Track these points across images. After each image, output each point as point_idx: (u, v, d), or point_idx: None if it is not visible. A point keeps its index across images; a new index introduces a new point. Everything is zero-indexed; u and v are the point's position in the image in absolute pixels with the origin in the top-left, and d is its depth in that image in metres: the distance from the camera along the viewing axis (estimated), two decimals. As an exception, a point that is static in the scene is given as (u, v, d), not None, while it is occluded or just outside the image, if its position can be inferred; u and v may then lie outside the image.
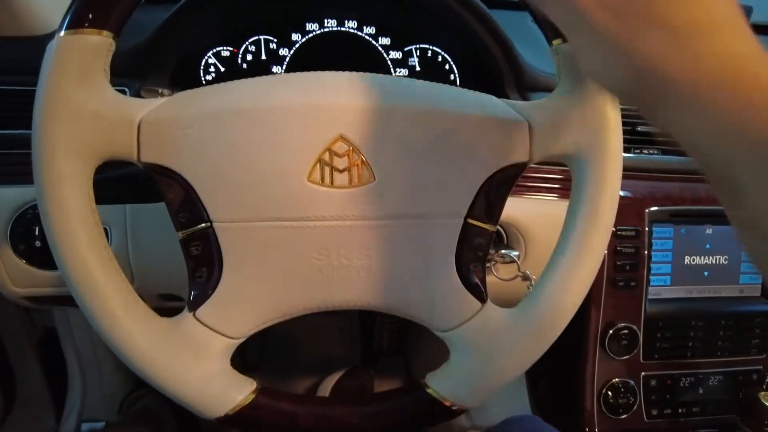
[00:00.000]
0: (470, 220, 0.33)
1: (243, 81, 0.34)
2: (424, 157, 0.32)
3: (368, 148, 0.31)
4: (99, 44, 0.30)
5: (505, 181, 0.34)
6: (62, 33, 0.30)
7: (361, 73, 0.34)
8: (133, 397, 0.83)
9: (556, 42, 0.34)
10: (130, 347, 0.31)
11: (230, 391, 0.32)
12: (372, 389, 0.98)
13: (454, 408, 0.34)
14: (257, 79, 0.34)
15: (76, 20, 0.30)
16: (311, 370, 1.04)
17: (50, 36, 0.55)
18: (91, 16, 0.30)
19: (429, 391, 0.34)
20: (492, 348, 0.34)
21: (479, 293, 0.34)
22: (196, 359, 0.32)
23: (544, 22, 0.35)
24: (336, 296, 0.32)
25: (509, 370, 0.34)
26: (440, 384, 0.34)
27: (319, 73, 0.34)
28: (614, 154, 0.34)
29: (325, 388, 0.95)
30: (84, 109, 0.30)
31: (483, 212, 0.34)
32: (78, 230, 0.30)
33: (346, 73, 0.34)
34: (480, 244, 0.34)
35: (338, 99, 0.32)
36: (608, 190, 0.34)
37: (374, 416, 0.33)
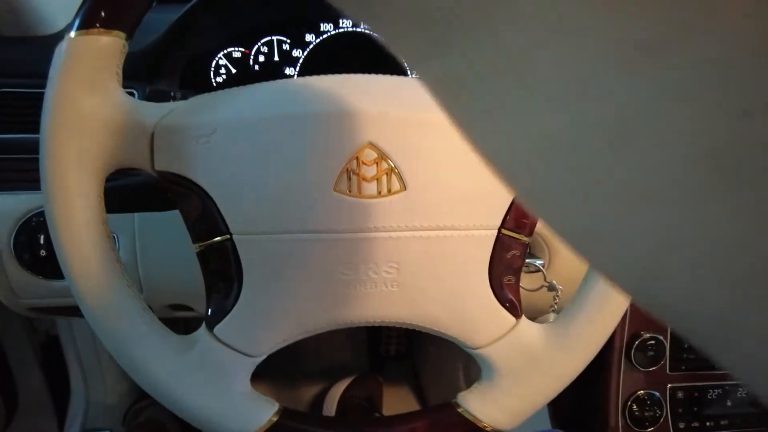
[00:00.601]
0: (504, 231, 0.32)
1: (264, 85, 0.32)
2: (456, 166, 0.30)
3: (398, 156, 0.29)
4: (111, 46, 0.29)
5: None
6: (72, 34, 0.28)
7: (391, 77, 0.32)
8: (137, 407, 0.81)
9: None
10: (144, 369, 0.29)
11: (252, 414, 0.31)
12: (381, 397, 0.96)
13: (488, 430, 0.32)
14: (279, 82, 0.32)
15: (87, 20, 0.28)
16: (318, 377, 1.02)
17: (55, 37, 0.53)
18: (102, 15, 0.28)
19: (460, 411, 0.32)
20: (528, 367, 0.32)
21: (513, 308, 0.32)
22: (214, 380, 0.30)
23: None
24: (363, 312, 0.31)
25: (546, 389, 0.32)
26: (473, 404, 0.32)
27: (344, 76, 0.32)
28: None
29: (333, 397, 0.93)
30: (95, 115, 0.28)
31: (517, 222, 0.32)
32: (87, 245, 0.28)
33: (376, 77, 0.32)
34: (514, 256, 0.32)
35: (367, 104, 0.30)
36: None
37: None
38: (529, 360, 0.32)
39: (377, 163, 0.30)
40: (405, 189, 0.30)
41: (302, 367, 1.05)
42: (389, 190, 0.30)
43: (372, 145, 0.29)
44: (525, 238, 0.33)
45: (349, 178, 0.29)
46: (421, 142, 0.30)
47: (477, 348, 0.32)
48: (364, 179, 0.29)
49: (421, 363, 1.07)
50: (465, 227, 0.31)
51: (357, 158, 0.29)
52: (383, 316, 0.31)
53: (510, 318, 0.32)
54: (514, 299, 0.33)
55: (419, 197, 0.30)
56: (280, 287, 0.30)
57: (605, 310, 0.32)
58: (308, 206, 0.29)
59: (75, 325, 0.80)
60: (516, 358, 0.32)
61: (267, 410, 0.31)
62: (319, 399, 0.98)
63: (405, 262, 0.30)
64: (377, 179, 0.30)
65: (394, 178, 0.30)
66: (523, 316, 0.33)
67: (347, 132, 0.29)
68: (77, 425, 0.82)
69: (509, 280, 0.32)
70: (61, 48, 0.28)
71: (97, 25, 0.28)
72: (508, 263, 0.32)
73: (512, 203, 0.31)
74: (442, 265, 0.31)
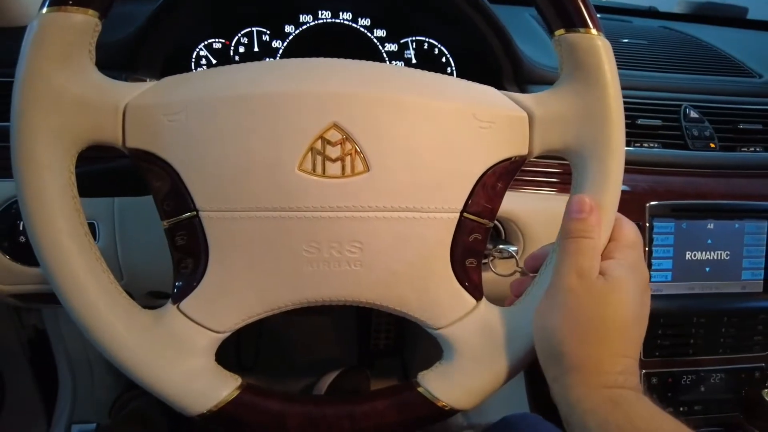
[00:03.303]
0: (466, 215, 0.32)
1: (233, 66, 0.33)
2: (420, 149, 0.31)
3: (362, 137, 0.30)
4: (83, 24, 0.29)
5: (504, 175, 0.33)
6: (44, 10, 0.28)
7: (357, 61, 0.33)
8: (124, 399, 0.81)
9: (558, 32, 0.33)
10: (110, 340, 0.29)
11: (213, 388, 0.31)
12: (368, 390, 0.97)
13: (446, 408, 0.32)
14: (248, 64, 0.32)
15: None
16: (307, 371, 1.02)
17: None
18: None
19: (420, 390, 0.33)
20: (487, 348, 0.32)
21: (474, 290, 0.33)
22: (178, 353, 0.30)
23: (546, 12, 0.34)
24: (325, 290, 0.31)
25: (505, 371, 0.32)
26: (432, 384, 0.33)
27: (313, 59, 0.32)
28: (617, 149, 0.32)
29: (320, 389, 0.94)
30: (66, 91, 0.29)
31: (480, 207, 0.32)
32: (57, 218, 0.29)
33: (342, 60, 0.33)
34: (476, 239, 0.33)
35: (333, 86, 0.30)
36: (610, 186, 0.32)
37: (365, 416, 0.32)
38: (488, 341, 0.32)
39: (341, 143, 0.30)
40: (369, 170, 0.30)
41: (292, 362, 1.06)
42: (353, 171, 0.30)
43: (337, 126, 0.30)
44: (487, 223, 0.33)
45: (314, 158, 0.30)
46: (385, 125, 0.30)
47: (438, 328, 0.33)
48: (329, 159, 0.30)
49: (410, 358, 1.08)
50: (427, 209, 0.31)
51: (322, 138, 0.30)
52: (346, 295, 0.32)
53: (471, 300, 0.33)
54: (475, 281, 0.33)
55: (382, 178, 0.30)
56: (245, 264, 0.30)
57: None
58: (273, 184, 0.30)
59: (62, 319, 0.81)
60: (475, 339, 0.32)
61: (229, 385, 0.31)
62: (307, 391, 0.98)
63: (368, 242, 0.31)
64: (341, 159, 0.30)
65: (358, 159, 0.30)
66: (484, 299, 0.34)
67: (312, 112, 0.30)
68: (65, 418, 0.83)
69: (471, 263, 0.33)
70: (33, 24, 0.29)
71: (70, 2, 0.28)
72: (470, 246, 0.33)
73: (474, 188, 0.32)
74: (405, 246, 0.31)
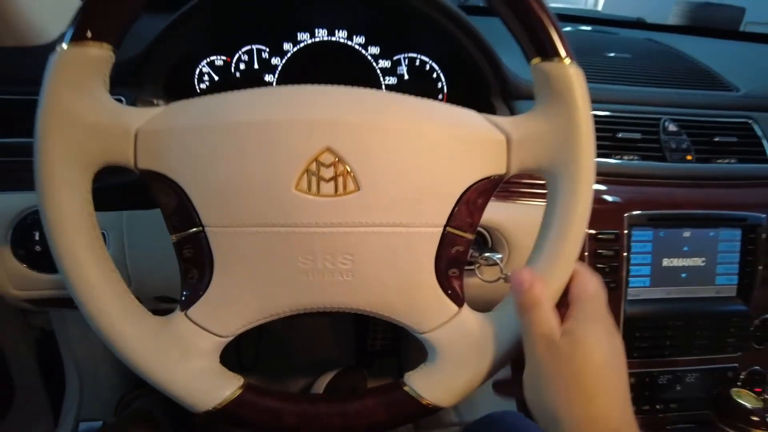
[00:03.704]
0: (449, 229, 0.35)
1: (233, 93, 0.35)
2: (406, 170, 0.34)
3: (353, 159, 0.33)
4: (99, 56, 0.32)
5: (484, 192, 0.36)
6: (64, 45, 0.31)
7: (348, 88, 0.35)
8: (129, 398, 0.84)
9: (534, 61, 0.36)
10: (124, 344, 0.32)
11: (217, 387, 0.34)
12: (365, 389, 1.00)
13: (430, 406, 0.35)
14: (247, 91, 0.35)
15: (78, 33, 0.31)
16: (305, 371, 1.05)
17: (47, 47, 0.57)
18: (92, 29, 0.32)
19: (406, 389, 0.35)
20: (466, 351, 0.35)
21: (456, 298, 0.36)
22: (186, 355, 0.33)
23: (523, 42, 0.36)
24: (320, 298, 0.34)
25: (483, 372, 0.35)
26: (418, 383, 0.35)
27: (307, 86, 0.35)
28: (587, 171, 0.35)
29: (318, 388, 0.97)
30: (83, 118, 0.32)
31: (462, 221, 0.35)
32: (75, 232, 0.32)
33: (334, 87, 0.35)
34: (458, 251, 0.36)
35: (326, 113, 0.33)
36: (580, 204, 0.35)
37: (356, 413, 0.35)
38: (468, 345, 0.35)
39: (334, 165, 0.33)
40: (359, 189, 0.33)
41: (291, 362, 1.09)
42: (345, 190, 0.33)
43: (330, 150, 0.33)
44: (468, 236, 0.36)
45: (309, 179, 0.33)
46: (374, 148, 0.33)
47: (423, 332, 0.36)
48: (323, 179, 0.33)
49: (405, 358, 1.11)
50: (413, 224, 0.34)
51: (316, 161, 0.33)
52: (339, 303, 0.35)
53: (453, 306, 0.36)
54: (457, 289, 0.36)
55: (372, 197, 0.33)
56: (247, 274, 0.33)
57: None
58: (272, 203, 0.33)
59: (69, 321, 0.83)
60: (457, 342, 0.35)
61: (232, 384, 0.34)
62: (305, 392, 1.01)
63: (359, 254, 0.34)
64: (334, 179, 0.33)
65: (349, 179, 0.33)
66: (465, 305, 0.37)
67: (308, 137, 0.33)
68: (72, 417, 0.85)
69: (453, 273, 0.36)
70: (54, 57, 0.32)
71: (87, 36, 0.31)
72: (453, 258, 0.35)
73: (456, 204, 0.35)
74: (393, 258, 0.34)
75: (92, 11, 0.32)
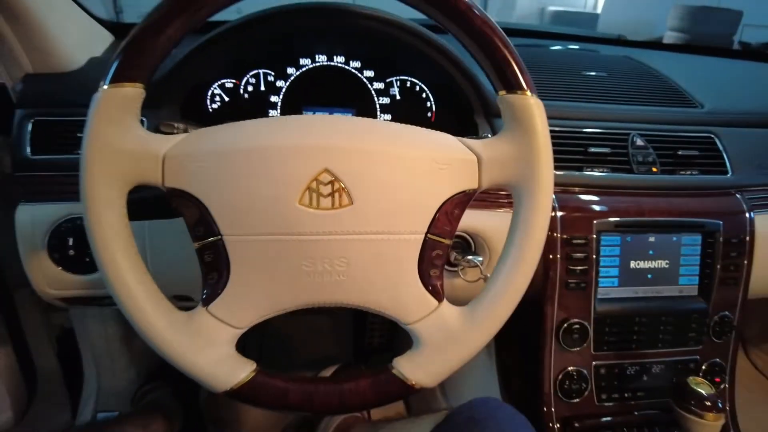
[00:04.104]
0: (430, 236, 0.41)
1: (245, 122, 0.42)
2: (392, 186, 0.40)
3: (348, 179, 0.39)
4: (133, 94, 0.39)
5: (459, 204, 0.42)
6: (105, 87, 0.38)
7: (342, 117, 0.42)
8: (143, 390, 0.90)
9: (501, 93, 0.43)
10: (156, 335, 0.39)
11: (234, 371, 0.40)
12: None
13: (415, 387, 0.41)
14: (256, 121, 0.42)
15: (116, 76, 0.38)
16: (307, 367, 1.11)
17: (77, 73, 0.63)
18: (127, 72, 0.38)
19: (394, 372, 0.42)
20: (446, 339, 0.41)
21: (437, 294, 0.42)
22: (207, 344, 0.39)
23: (491, 76, 0.43)
24: (320, 296, 0.40)
25: (460, 357, 0.41)
26: (404, 367, 0.42)
27: (307, 116, 0.42)
28: (545, 186, 0.42)
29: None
30: (120, 147, 0.38)
31: (441, 229, 0.41)
32: (114, 241, 0.38)
33: (330, 117, 0.42)
34: (438, 254, 0.42)
35: (324, 140, 0.40)
36: (540, 214, 0.42)
37: (350, 392, 0.41)
38: (447, 334, 0.41)
39: (332, 183, 0.39)
40: (353, 203, 0.40)
41: (293, 359, 1.15)
42: (341, 204, 0.40)
43: (327, 170, 0.39)
44: (447, 241, 0.42)
45: (310, 195, 0.39)
46: (365, 169, 0.40)
47: (408, 324, 0.42)
48: (321, 195, 0.39)
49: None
50: (399, 232, 0.40)
51: (316, 180, 0.39)
52: (336, 299, 0.41)
53: (434, 301, 0.42)
54: (437, 287, 0.42)
55: (363, 209, 0.40)
56: (258, 276, 0.40)
57: (505, 298, 0.42)
58: (279, 215, 0.39)
59: (88, 318, 0.90)
60: (437, 332, 0.42)
61: (246, 368, 0.41)
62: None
63: (353, 258, 0.40)
64: (332, 195, 0.39)
65: (344, 194, 0.39)
66: (445, 300, 0.43)
67: (309, 160, 0.39)
68: (90, 408, 0.92)
69: (434, 273, 0.42)
70: (96, 97, 0.38)
71: (123, 78, 0.38)
72: (433, 260, 0.42)
73: (435, 215, 0.41)
74: (381, 261, 0.40)
75: (127, 57, 0.38)
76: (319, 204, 0.39)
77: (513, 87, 0.42)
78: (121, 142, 0.38)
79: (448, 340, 0.42)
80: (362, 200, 0.39)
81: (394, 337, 1.16)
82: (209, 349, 0.40)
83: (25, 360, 0.88)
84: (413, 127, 0.44)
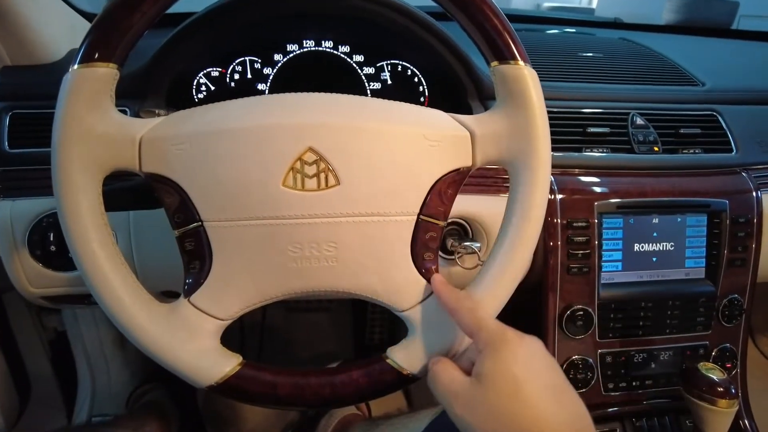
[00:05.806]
0: (422, 217, 0.39)
1: (227, 102, 0.40)
2: (381, 165, 0.38)
3: (333, 157, 0.37)
4: (106, 75, 0.37)
5: (453, 183, 0.40)
6: (75, 66, 0.36)
7: (326, 94, 0.40)
8: (139, 392, 0.88)
9: (493, 64, 0.40)
10: (134, 328, 0.37)
11: (219, 364, 0.38)
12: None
13: (410, 376, 0.39)
14: (239, 100, 0.40)
15: (87, 55, 0.36)
16: (307, 365, 1.10)
17: (57, 64, 0.61)
18: (99, 51, 0.36)
19: (388, 361, 0.40)
20: (440, 325, 0.39)
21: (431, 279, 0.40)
22: (190, 337, 0.37)
23: (482, 47, 0.41)
24: (308, 283, 0.38)
25: (456, 345, 0.39)
26: (398, 356, 0.40)
27: (289, 94, 0.40)
28: (543, 160, 0.39)
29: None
30: (94, 130, 0.36)
31: (434, 209, 0.39)
32: (89, 230, 0.36)
33: (314, 94, 0.40)
34: (432, 237, 0.40)
35: (307, 117, 0.38)
36: (539, 190, 0.39)
37: (342, 384, 0.39)
38: (441, 322, 0.39)
39: (316, 163, 0.37)
40: (339, 183, 0.37)
41: (293, 357, 1.13)
42: (327, 185, 0.37)
43: (312, 149, 0.37)
44: (441, 223, 0.40)
45: (295, 176, 0.37)
46: (352, 147, 0.38)
47: (402, 311, 0.40)
48: (306, 176, 0.37)
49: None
50: (390, 213, 0.38)
51: (300, 159, 0.37)
52: (326, 286, 0.39)
53: (428, 287, 0.40)
54: (432, 272, 0.40)
55: (351, 190, 0.38)
56: (242, 263, 0.38)
57: (504, 280, 0.40)
58: (262, 198, 0.37)
59: (81, 320, 0.88)
60: (431, 318, 0.39)
61: (232, 361, 0.38)
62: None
63: (341, 242, 0.38)
64: (317, 176, 0.37)
65: (330, 175, 0.37)
66: None
67: (291, 139, 0.37)
68: (85, 412, 0.90)
69: (428, 257, 0.40)
70: (67, 77, 0.36)
71: (95, 58, 0.36)
72: (426, 243, 0.40)
73: (428, 195, 0.39)
74: (372, 245, 0.38)
75: (99, 35, 0.36)
76: (304, 185, 0.37)
77: (505, 57, 0.40)
78: (94, 125, 0.36)
79: (444, 326, 0.39)
80: (349, 180, 0.37)
81: (394, 334, 1.14)
82: (192, 341, 0.38)
83: (16, 364, 0.86)
84: (401, 103, 0.42)
